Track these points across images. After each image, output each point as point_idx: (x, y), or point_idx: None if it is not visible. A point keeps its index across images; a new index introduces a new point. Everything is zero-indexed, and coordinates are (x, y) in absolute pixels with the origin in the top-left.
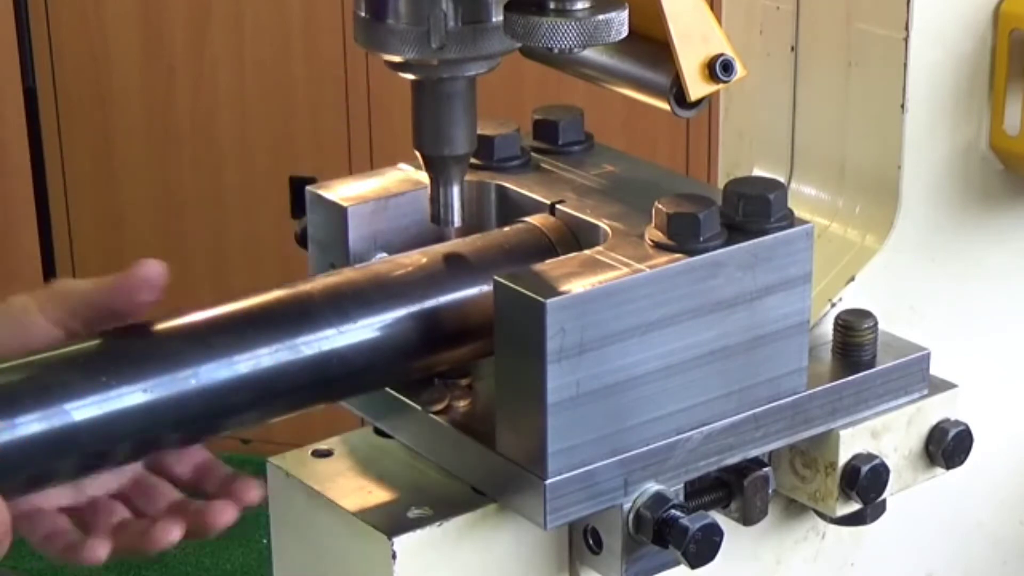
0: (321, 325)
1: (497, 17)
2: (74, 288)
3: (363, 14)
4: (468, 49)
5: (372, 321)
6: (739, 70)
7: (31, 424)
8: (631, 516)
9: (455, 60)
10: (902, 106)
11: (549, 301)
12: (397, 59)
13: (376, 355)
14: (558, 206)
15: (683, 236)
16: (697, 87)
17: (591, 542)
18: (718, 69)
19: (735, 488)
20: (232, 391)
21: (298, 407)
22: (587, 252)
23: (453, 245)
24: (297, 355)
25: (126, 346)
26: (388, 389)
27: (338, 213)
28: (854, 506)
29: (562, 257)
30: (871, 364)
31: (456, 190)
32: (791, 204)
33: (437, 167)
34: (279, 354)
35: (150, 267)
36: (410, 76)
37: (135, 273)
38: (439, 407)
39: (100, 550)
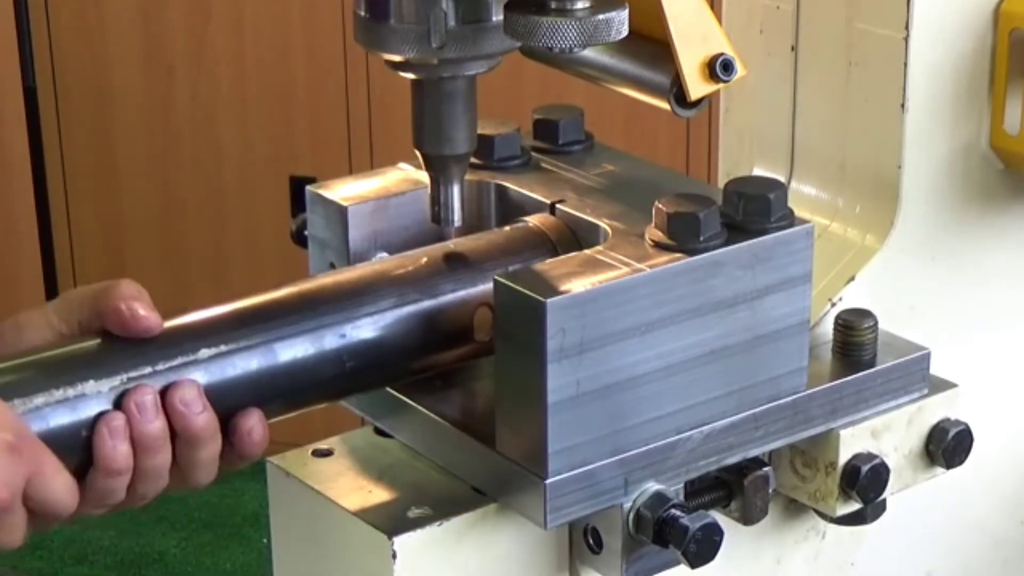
0: (319, 328)
1: (497, 16)
2: (76, 294)
3: (363, 14)
4: (468, 48)
5: (376, 319)
6: (739, 70)
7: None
8: (631, 516)
9: (455, 59)
10: (902, 106)
11: (549, 301)
12: (397, 58)
13: (379, 353)
14: (558, 206)
15: (683, 236)
16: (697, 87)
17: (591, 542)
18: (718, 69)
19: (735, 488)
20: (233, 389)
21: (295, 408)
22: (587, 252)
23: (455, 244)
24: (298, 354)
25: (117, 346)
26: (388, 389)
27: (338, 213)
28: (854, 506)
29: (562, 257)
30: (871, 364)
31: (456, 189)
32: (791, 204)
33: (437, 166)
34: (286, 351)
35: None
36: (410, 75)
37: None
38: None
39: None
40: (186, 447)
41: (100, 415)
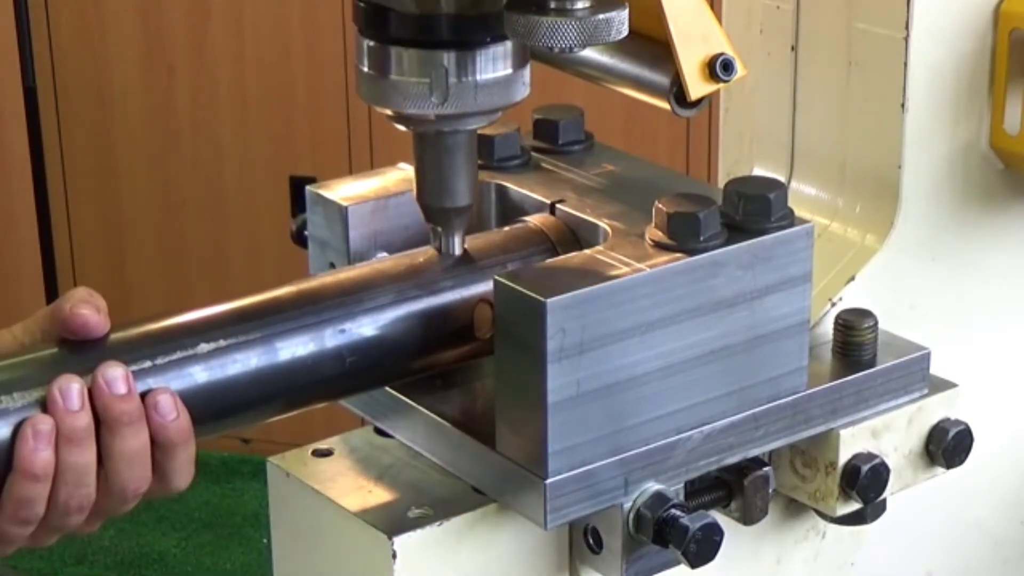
0: (320, 324)
1: (498, 72)
2: (43, 309)
3: (365, 69)
4: (469, 104)
5: (375, 316)
6: (739, 70)
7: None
8: (631, 516)
9: (456, 115)
10: (902, 106)
11: (549, 301)
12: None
13: (379, 350)
14: (558, 205)
15: (683, 236)
16: (697, 87)
17: (591, 542)
18: (718, 68)
19: (735, 488)
20: (233, 385)
21: (296, 406)
22: (587, 252)
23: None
24: (298, 350)
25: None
26: (388, 389)
27: (338, 212)
28: (854, 506)
29: (562, 257)
30: (871, 363)
31: (458, 240)
32: (791, 204)
33: (439, 218)
34: (283, 351)
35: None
36: (411, 129)
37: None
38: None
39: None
40: (162, 453)
41: (26, 418)
